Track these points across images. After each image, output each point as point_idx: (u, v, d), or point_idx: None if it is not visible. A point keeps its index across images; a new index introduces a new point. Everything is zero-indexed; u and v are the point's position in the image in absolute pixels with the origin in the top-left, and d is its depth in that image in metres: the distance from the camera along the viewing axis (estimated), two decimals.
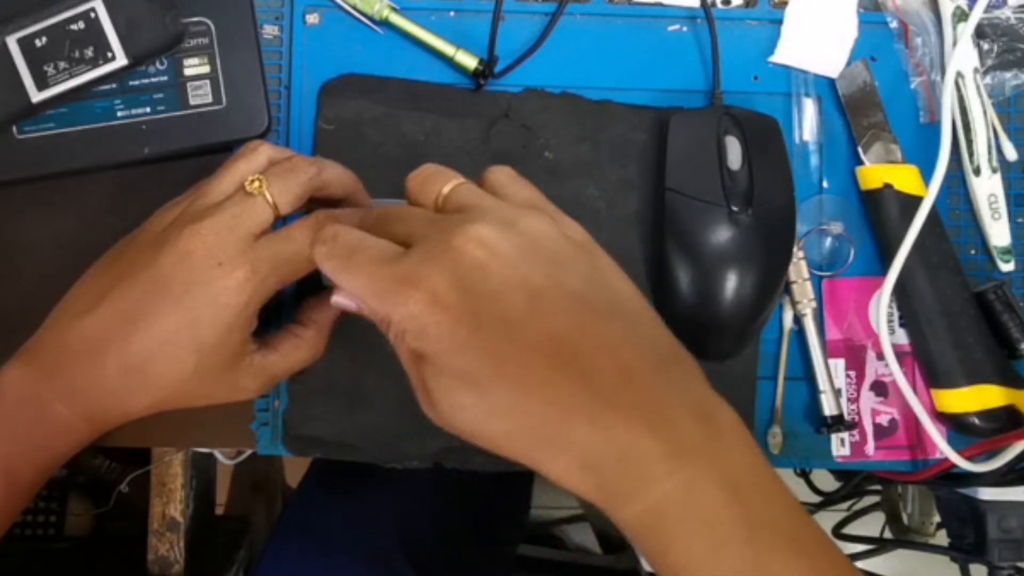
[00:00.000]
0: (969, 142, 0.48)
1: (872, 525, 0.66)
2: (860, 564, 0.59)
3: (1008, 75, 0.49)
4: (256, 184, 0.38)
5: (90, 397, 0.38)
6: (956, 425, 0.46)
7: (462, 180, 0.36)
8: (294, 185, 0.39)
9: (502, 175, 0.37)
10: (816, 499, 0.65)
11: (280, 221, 0.39)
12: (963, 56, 0.47)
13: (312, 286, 0.42)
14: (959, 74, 0.47)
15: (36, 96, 0.42)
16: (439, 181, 0.36)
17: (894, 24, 0.49)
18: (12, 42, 0.42)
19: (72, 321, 0.38)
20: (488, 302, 0.31)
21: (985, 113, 0.47)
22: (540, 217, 0.34)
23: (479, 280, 0.31)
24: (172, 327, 0.37)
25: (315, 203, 0.41)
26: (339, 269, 0.34)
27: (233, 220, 0.37)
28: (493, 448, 0.32)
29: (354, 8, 0.47)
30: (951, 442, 0.45)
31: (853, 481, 0.53)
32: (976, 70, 0.48)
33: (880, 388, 0.48)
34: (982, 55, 0.49)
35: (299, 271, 0.38)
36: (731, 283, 0.44)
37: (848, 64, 0.49)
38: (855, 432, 0.47)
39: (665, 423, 0.31)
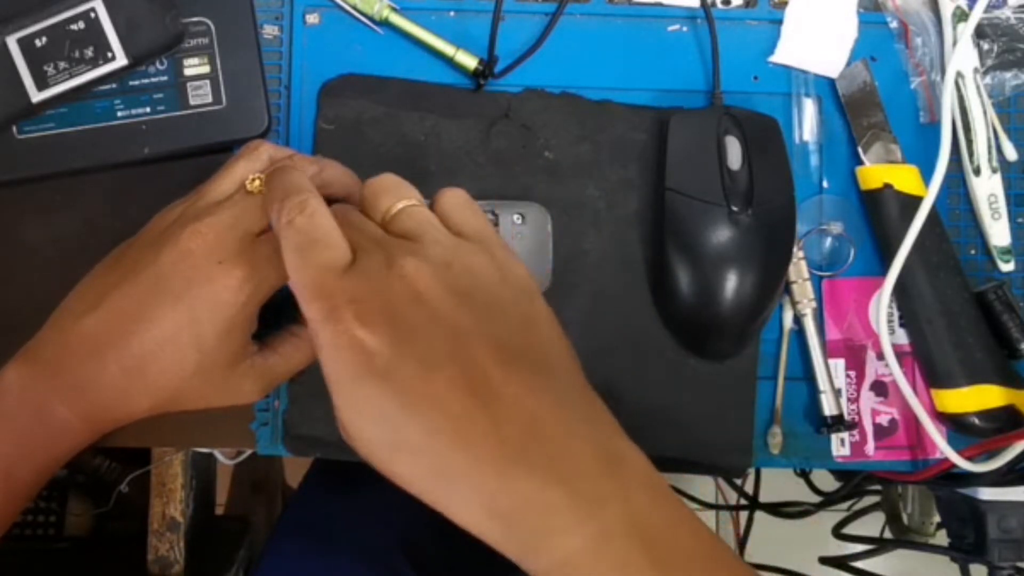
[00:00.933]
0: (969, 142, 0.48)
1: (872, 525, 0.66)
2: (860, 564, 0.59)
3: (1008, 75, 0.49)
4: (257, 183, 0.38)
5: (91, 398, 0.38)
6: (956, 425, 0.46)
7: (413, 201, 0.35)
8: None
9: (454, 200, 0.36)
10: (816, 499, 0.65)
11: None
12: (963, 56, 0.47)
13: None
14: (959, 74, 0.47)
15: (36, 96, 0.42)
16: (391, 197, 0.35)
17: (894, 24, 0.49)
18: (12, 42, 0.42)
19: (73, 321, 0.38)
20: (411, 339, 0.30)
21: (985, 113, 0.47)
22: (480, 256, 0.33)
23: (407, 314, 0.31)
24: (173, 326, 0.37)
25: None
26: (288, 249, 0.33)
27: (233, 219, 0.37)
28: (398, 483, 0.31)
29: (354, 8, 0.47)
30: (951, 442, 0.45)
31: (853, 481, 0.53)
32: (976, 70, 0.48)
33: (880, 388, 0.48)
34: (982, 55, 0.49)
35: None
36: (731, 283, 0.44)
37: (848, 64, 0.49)
38: (855, 432, 0.47)
39: (574, 475, 0.30)
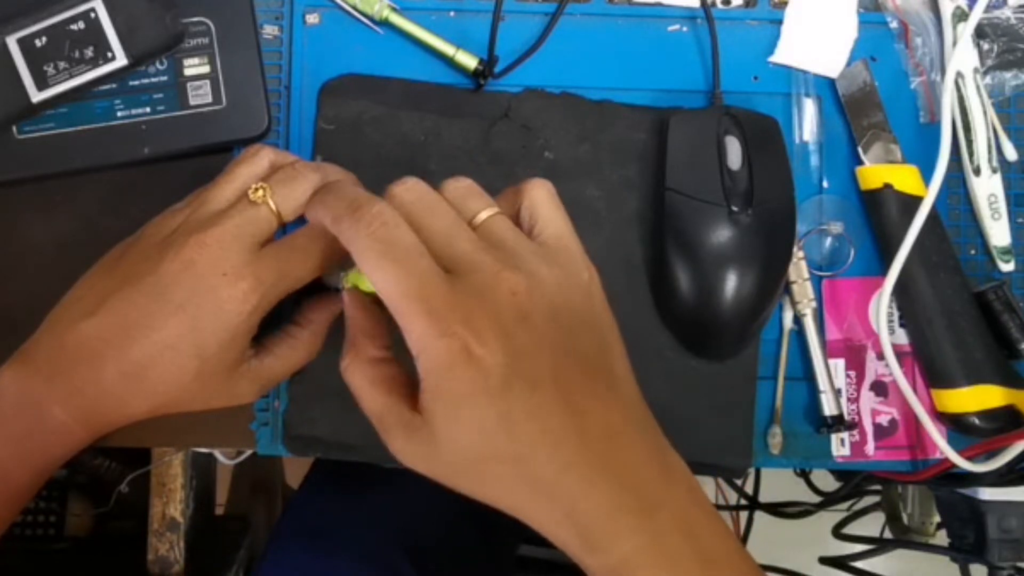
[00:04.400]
0: (969, 142, 0.48)
1: (872, 525, 0.66)
2: (860, 564, 0.59)
3: (1008, 75, 0.49)
4: (260, 192, 0.38)
5: (88, 401, 0.38)
6: (956, 425, 0.46)
7: (497, 209, 0.35)
8: (298, 192, 0.39)
9: (543, 195, 0.36)
10: (816, 499, 0.65)
11: (282, 229, 0.39)
12: (963, 56, 0.47)
13: (309, 286, 0.42)
14: (959, 74, 0.47)
15: (36, 96, 0.42)
16: (480, 202, 0.35)
17: (894, 24, 0.49)
18: (12, 42, 0.42)
19: (71, 325, 0.38)
20: (522, 357, 0.31)
21: (985, 113, 0.47)
22: (567, 268, 0.34)
23: (517, 332, 0.32)
24: (174, 334, 0.37)
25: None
26: (383, 256, 0.31)
27: (237, 229, 0.37)
28: (477, 490, 0.33)
29: (354, 8, 0.47)
30: (951, 442, 0.45)
31: (853, 481, 0.53)
32: (976, 70, 0.48)
33: (880, 388, 0.48)
34: (982, 55, 0.49)
35: (304, 279, 0.38)
36: (731, 283, 0.44)
37: (848, 64, 0.49)
38: (855, 432, 0.47)
39: (640, 481, 0.33)
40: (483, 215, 0.34)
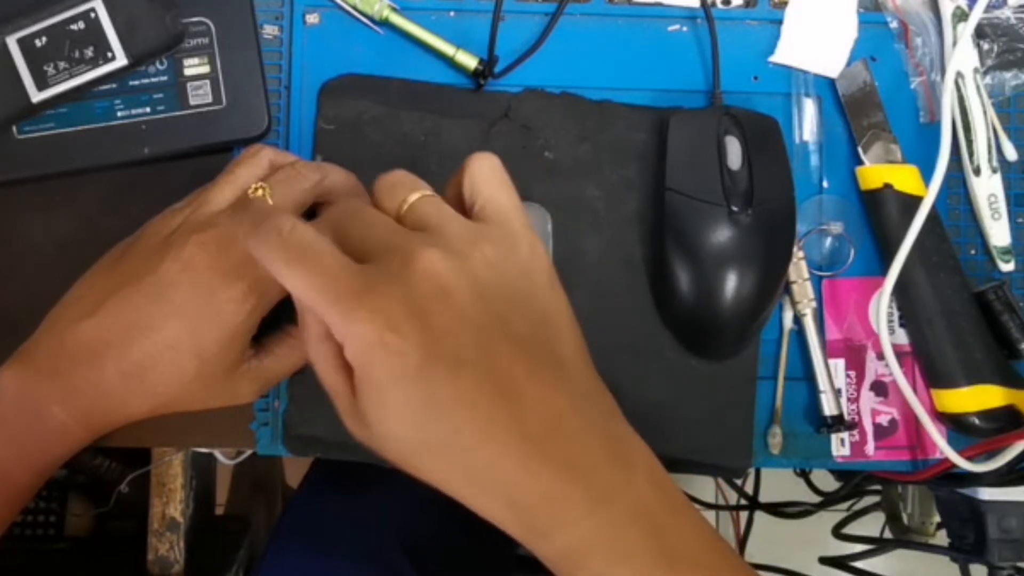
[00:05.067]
0: (969, 142, 0.48)
1: (872, 525, 0.66)
2: (860, 564, 0.59)
3: (1008, 75, 0.49)
4: (260, 192, 0.38)
5: (87, 401, 0.38)
6: (956, 425, 0.46)
7: (429, 192, 0.34)
8: (298, 193, 0.39)
9: (485, 169, 0.35)
10: (816, 499, 0.65)
11: None
12: (963, 56, 0.47)
13: None
14: (959, 74, 0.47)
15: (36, 96, 0.42)
16: (405, 189, 0.34)
17: (894, 24, 0.49)
18: (12, 42, 0.42)
19: (70, 325, 0.38)
20: (440, 338, 0.30)
21: (985, 113, 0.47)
22: (502, 245, 0.33)
23: (435, 313, 0.30)
24: (173, 335, 0.37)
25: (318, 209, 0.41)
26: (288, 262, 0.31)
27: (236, 228, 0.37)
28: (419, 475, 0.32)
29: (354, 8, 0.47)
30: (951, 442, 0.45)
31: (853, 481, 0.53)
32: (976, 70, 0.48)
33: (880, 388, 0.48)
34: (982, 55, 0.49)
35: None
36: (731, 283, 0.44)
37: (848, 64, 0.49)
38: (855, 432, 0.47)
39: (588, 469, 0.32)
40: (410, 199, 0.34)
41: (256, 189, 0.38)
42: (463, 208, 0.35)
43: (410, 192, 0.34)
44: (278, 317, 0.44)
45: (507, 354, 0.31)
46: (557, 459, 0.31)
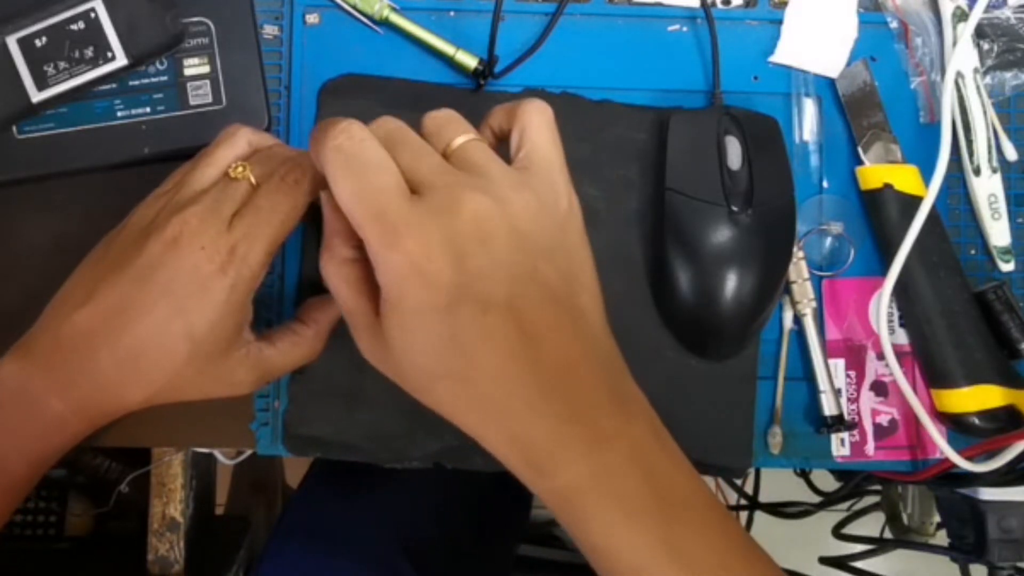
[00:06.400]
0: (969, 142, 0.48)
1: (872, 525, 0.66)
2: (860, 564, 0.59)
3: (1008, 75, 0.49)
4: (241, 170, 0.38)
5: (84, 391, 0.38)
6: (956, 425, 0.46)
7: (475, 135, 0.35)
8: (277, 166, 0.39)
9: (537, 119, 0.36)
10: (816, 499, 0.65)
11: None
12: (963, 56, 0.47)
13: (316, 286, 0.42)
14: (959, 74, 0.47)
15: (36, 96, 0.43)
16: (455, 130, 0.35)
17: (894, 24, 0.49)
18: (12, 42, 0.42)
19: (65, 316, 0.38)
20: (475, 280, 0.32)
21: (985, 113, 0.47)
22: (542, 193, 0.34)
23: (474, 255, 0.32)
24: (162, 317, 0.37)
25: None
26: (348, 170, 0.32)
27: (215, 203, 0.37)
28: (431, 404, 0.34)
29: (354, 8, 0.47)
30: (951, 442, 0.45)
31: (853, 481, 0.53)
32: (976, 70, 0.48)
33: (880, 388, 0.48)
34: (982, 55, 0.49)
35: (277, 237, 0.38)
36: (731, 283, 0.44)
37: (848, 64, 0.49)
38: (855, 432, 0.47)
39: (590, 414, 0.34)
40: (458, 140, 0.35)
41: (236, 167, 0.38)
42: (496, 144, 0.37)
43: (459, 133, 0.35)
44: (283, 316, 0.44)
45: (534, 301, 0.33)
46: (563, 402, 0.33)
